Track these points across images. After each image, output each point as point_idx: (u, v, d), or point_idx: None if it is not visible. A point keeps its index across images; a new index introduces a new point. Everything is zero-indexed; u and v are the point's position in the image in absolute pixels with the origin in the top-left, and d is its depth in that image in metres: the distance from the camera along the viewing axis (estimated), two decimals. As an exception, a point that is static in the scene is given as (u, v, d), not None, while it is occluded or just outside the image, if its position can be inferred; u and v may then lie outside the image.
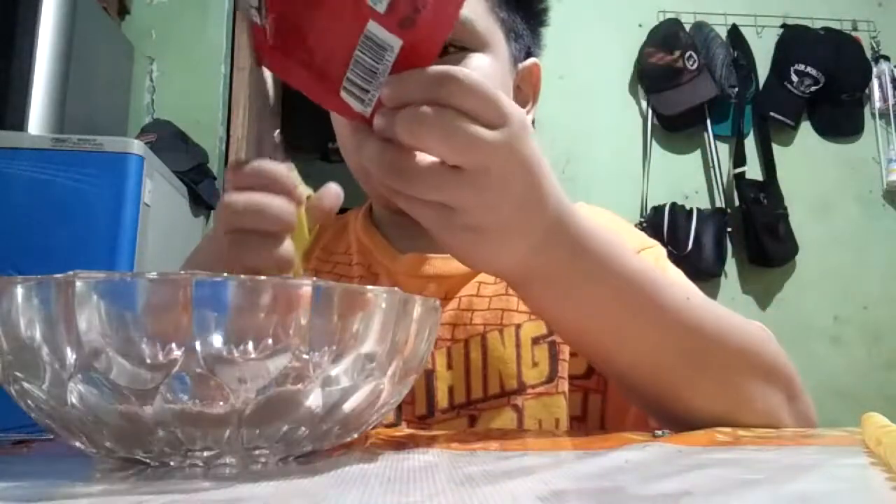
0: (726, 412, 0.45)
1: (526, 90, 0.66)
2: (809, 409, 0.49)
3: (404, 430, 0.52)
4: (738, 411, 0.45)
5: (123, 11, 2.28)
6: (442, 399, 0.57)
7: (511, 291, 0.60)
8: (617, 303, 0.43)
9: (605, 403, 0.58)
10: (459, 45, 0.57)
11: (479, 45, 0.58)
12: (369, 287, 0.29)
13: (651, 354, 0.44)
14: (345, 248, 0.68)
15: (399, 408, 0.56)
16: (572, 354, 0.58)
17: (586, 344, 0.46)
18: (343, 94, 0.39)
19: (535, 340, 0.58)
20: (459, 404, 0.57)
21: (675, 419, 0.46)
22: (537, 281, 0.42)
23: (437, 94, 0.36)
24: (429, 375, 0.57)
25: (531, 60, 0.66)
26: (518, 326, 0.58)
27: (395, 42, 0.37)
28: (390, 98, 0.37)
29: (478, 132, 0.36)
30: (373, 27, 0.37)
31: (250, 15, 0.40)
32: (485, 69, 0.57)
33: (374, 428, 0.36)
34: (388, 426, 0.55)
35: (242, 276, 0.26)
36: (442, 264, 0.61)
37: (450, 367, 0.58)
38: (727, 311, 0.47)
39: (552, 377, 0.57)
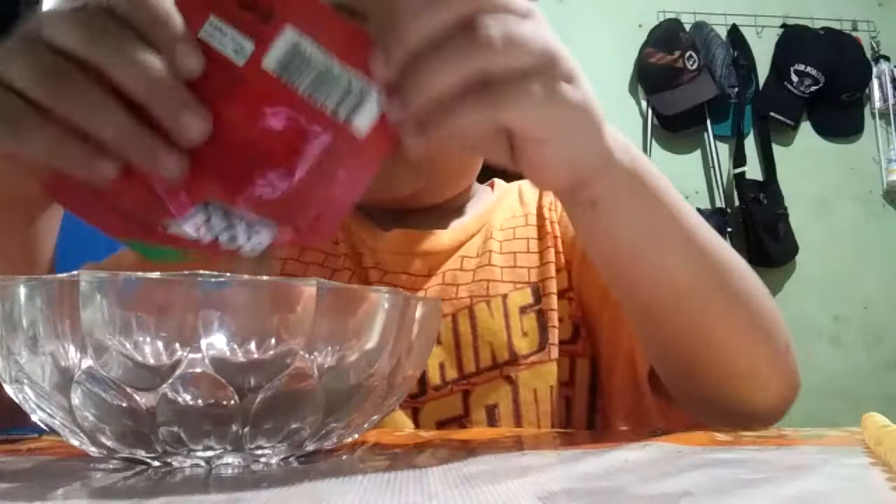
0: (745, 349, 0.44)
1: None
2: (796, 364, 0.48)
3: (405, 430, 0.53)
4: (755, 350, 0.45)
5: (124, 11, 2.28)
6: (434, 375, 0.56)
7: (494, 262, 0.60)
8: (672, 223, 0.42)
9: (598, 364, 0.58)
10: None
11: None
12: (372, 287, 0.29)
13: (694, 279, 0.43)
14: None
15: None
16: (560, 320, 0.58)
17: (637, 269, 0.43)
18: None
19: (523, 310, 0.58)
20: (452, 380, 0.56)
21: (690, 360, 0.45)
22: (612, 186, 0.39)
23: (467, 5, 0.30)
24: None
25: None
26: (504, 296, 0.58)
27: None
28: (413, 38, 0.30)
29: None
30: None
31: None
32: None
33: (375, 427, 0.36)
34: None
35: (246, 277, 0.26)
36: (426, 240, 0.61)
37: (438, 342, 0.56)
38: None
39: (543, 345, 0.56)
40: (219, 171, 0.30)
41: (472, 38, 0.30)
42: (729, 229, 2.43)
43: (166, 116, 0.29)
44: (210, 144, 0.29)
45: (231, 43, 0.28)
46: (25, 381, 0.27)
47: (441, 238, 0.62)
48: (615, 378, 0.56)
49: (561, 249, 0.61)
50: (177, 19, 0.29)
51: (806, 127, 2.63)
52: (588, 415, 0.57)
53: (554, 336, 0.57)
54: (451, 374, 0.56)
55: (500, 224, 0.64)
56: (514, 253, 0.61)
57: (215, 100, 0.29)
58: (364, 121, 0.29)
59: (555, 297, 0.58)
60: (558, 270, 0.60)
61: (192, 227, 0.30)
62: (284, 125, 0.29)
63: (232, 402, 0.26)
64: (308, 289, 0.26)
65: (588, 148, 0.37)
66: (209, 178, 0.30)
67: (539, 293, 0.59)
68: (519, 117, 0.33)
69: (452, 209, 0.66)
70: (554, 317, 0.58)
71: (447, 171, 0.62)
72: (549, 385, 0.56)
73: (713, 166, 2.53)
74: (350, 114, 0.29)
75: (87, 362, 0.25)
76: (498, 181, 0.71)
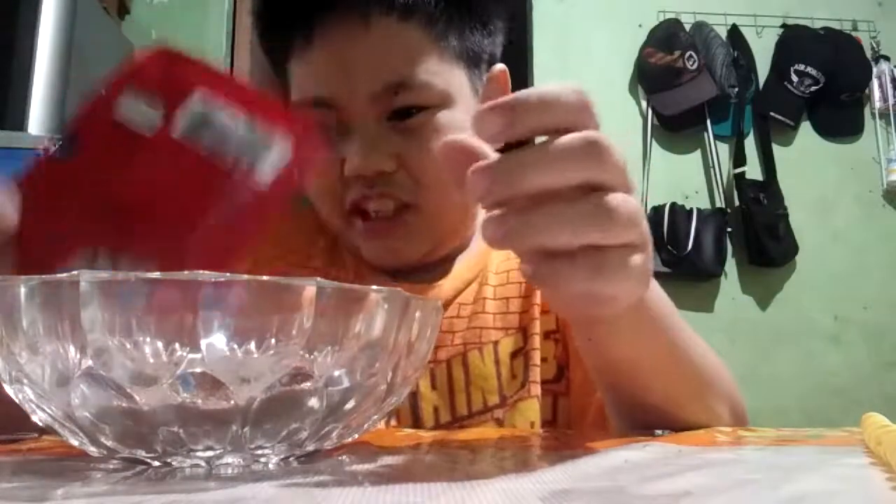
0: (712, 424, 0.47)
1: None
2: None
3: (405, 430, 0.53)
4: (719, 423, 0.47)
5: (123, 11, 2.28)
6: (428, 419, 0.58)
7: (487, 309, 0.61)
8: (666, 346, 0.43)
9: (570, 405, 0.60)
10: (422, 106, 0.56)
11: (441, 101, 0.56)
12: (372, 287, 0.29)
13: (678, 389, 0.45)
14: (339, 263, 0.65)
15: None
16: (543, 359, 0.59)
17: (625, 377, 0.45)
18: None
19: (513, 355, 0.60)
20: (445, 423, 0.58)
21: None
22: (635, 313, 0.38)
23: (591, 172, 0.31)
24: (413, 397, 0.58)
25: (496, 68, 0.63)
26: (496, 343, 0.60)
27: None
28: (533, 185, 0.29)
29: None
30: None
31: None
32: (454, 124, 0.56)
33: (375, 429, 0.36)
34: None
35: (247, 277, 0.26)
36: (429, 293, 0.61)
37: (434, 387, 0.59)
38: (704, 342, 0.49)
39: (524, 383, 0.58)
40: (121, 226, 0.33)
41: (596, 206, 0.30)
42: (729, 229, 2.43)
43: None
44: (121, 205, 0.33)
45: (144, 118, 0.32)
46: (25, 381, 0.27)
47: (441, 290, 0.62)
48: (587, 419, 0.58)
49: None
50: None
51: (806, 127, 2.63)
52: None
53: (535, 374, 0.59)
54: (445, 417, 0.58)
55: (495, 267, 0.64)
56: (507, 298, 0.63)
57: (130, 167, 0.33)
58: (266, 169, 0.31)
59: (538, 338, 0.60)
60: (545, 312, 0.61)
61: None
62: (187, 179, 0.32)
63: (231, 402, 0.26)
64: (308, 289, 0.26)
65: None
66: (109, 231, 0.33)
67: (526, 335, 0.60)
68: (610, 286, 0.32)
69: (454, 254, 0.66)
70: (536, 356, 0.59)
71: (449, 231, 0.63)
72: (530, 421, 0.57)
73: (713, 166, 2.53)
74: (252, 163, 0.31)
75: (87, 362, 0.25)
76: None
